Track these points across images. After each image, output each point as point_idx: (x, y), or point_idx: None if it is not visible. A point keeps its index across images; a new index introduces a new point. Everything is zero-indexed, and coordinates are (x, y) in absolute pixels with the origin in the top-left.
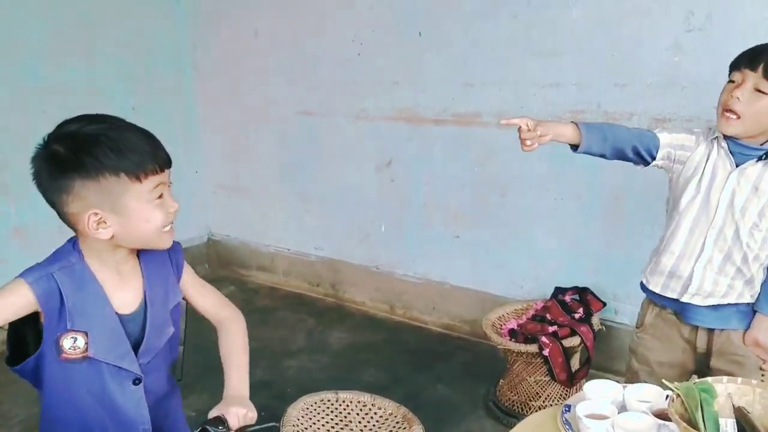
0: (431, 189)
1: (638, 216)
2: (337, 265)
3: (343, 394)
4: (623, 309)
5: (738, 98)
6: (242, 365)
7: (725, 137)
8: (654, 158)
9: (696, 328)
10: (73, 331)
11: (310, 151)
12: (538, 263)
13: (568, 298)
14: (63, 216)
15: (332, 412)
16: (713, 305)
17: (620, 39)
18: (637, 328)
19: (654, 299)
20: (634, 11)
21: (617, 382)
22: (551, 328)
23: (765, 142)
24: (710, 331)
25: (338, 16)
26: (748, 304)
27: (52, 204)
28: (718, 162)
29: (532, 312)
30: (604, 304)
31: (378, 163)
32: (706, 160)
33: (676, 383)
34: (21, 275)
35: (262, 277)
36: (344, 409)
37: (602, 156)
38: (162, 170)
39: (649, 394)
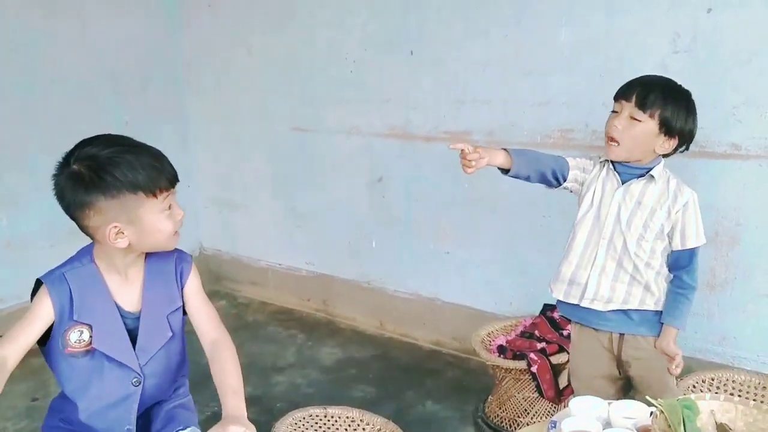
0: (422, 205)
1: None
2: (328, 280)
3: (332, 410)
4: None
5: (617, 126)
6: (238, 387)
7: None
8: (565, 180)
9: (609, 335)
10: (80, 323)
11: (302, 167)
12: (527, 280)
13: (556, 314)
14: (82, 227)
15: (320, 427)
16: (616, 310)
17: (608, 59)
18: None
19: (565, 313)
20: (621, 32)
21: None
22: (539, 345)
23: (646, 163)
24: (621, 336)
25: (331, 34)
26: (656, 312)
27: (72, 216)
28: (607, 180)
29: (520, 328)
30: None
31: (369, 179)
32: (596, 180)
33: (659, 400)
34: (42, 277)
35: (253, 291)
36: (333, 425)
37: (527, 179)
38: (173, 186)
39: (633, 411)
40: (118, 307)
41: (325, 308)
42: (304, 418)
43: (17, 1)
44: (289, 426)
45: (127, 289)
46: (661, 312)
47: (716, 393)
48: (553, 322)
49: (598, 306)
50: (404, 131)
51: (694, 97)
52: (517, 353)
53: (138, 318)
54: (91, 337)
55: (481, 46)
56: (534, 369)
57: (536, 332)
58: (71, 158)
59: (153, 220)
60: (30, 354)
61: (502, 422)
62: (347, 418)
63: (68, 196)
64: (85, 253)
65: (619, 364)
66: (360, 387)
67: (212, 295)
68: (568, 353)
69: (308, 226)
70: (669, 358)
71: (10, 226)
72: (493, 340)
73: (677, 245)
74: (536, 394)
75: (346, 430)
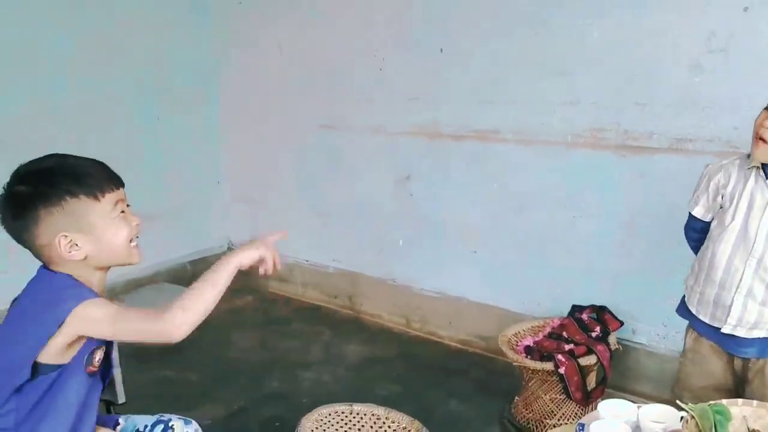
0: (449, 204)
1: (655, 236)
2: (355, 277)
3: (358, 407)
4: (641, 329)
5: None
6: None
7: (764, 166)
8: (710, 221)
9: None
10: (102, 343)
11: (330, 165)
12: (555, 281)
13: (585, 316)
14: (37, 251)
15: (346, 424)
16: (760, 338)
17: (641, 58)
18: (681, 354)
19: (695, 327)
20: (654, 31)
21: (632, 402)
22: (567, 346)
23: None
24: (746, 358)
25: (361, 33)
26: None
27: (24, 242)
28: (756, 191)
29: (548, 329)
30: (622, 324)
31: (397, 177)
32: (742, 190)
33: (690, 404)
34: (79, 299)
35: (280, 287)
36: (358, 422)
37: None
38: (117, 188)
39: (663, 415)
40: None
41: (351, 305)
42: (330, 414)
43: (46, 1)
44: (315, 422)
45: None
46: None
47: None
48: (582, 324)
49: (740, 332)
50: (432, 130)
51: (729, 96)
52: (545, 354)
53: None
54: (100, 358)
55: (510, 45)
56: (562, 370)
57: (564, 333)
58: (9, 184)
59: (104, 224)
60: None
61: (528, 423)
62: (373, 415)
63: (10, 221)
64: (69, 278)
65: (737, 379)
66: (385, 385)
67: (239, 290)
68: (597, 355)
69: (335, 223)
70: None
71: None
72: (520, 341)
73: None
74: (563, 396)
75: (371, 427)
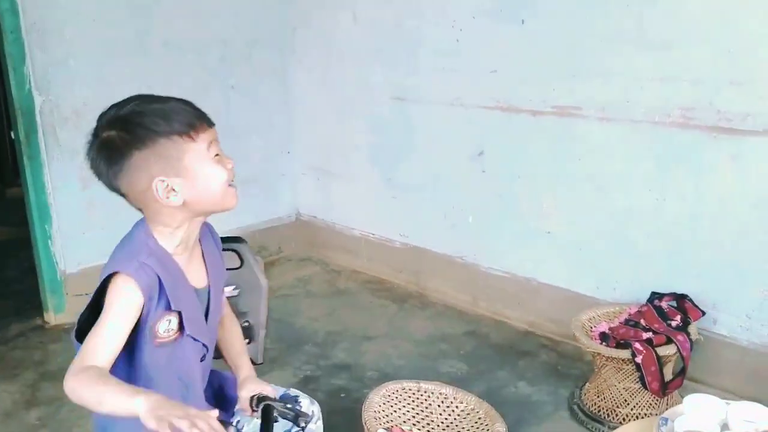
0: (524, 182)
1: (746, 224)
2: (422, 253)
3: (425, 385)
4: (722, 319)
5: None
6: (245, 351)
7: None
8: None
9: None
10: (168, 312)
11: (402, 138)
12: (633, 265)
13: (664, 304)
14: (132, 198)
15: (413, 401)
16: None
17: (742, 34)
18: None
19: None
20: (760, 5)
21: (711, 395)
22: (646, 335)
23: None
24: None
25: (439, 2)
26: None
27: (118, 190)
28: None
29: (625, 316)
30: (703, 313)
31: (470, 152)
32: None
33: None
34: (119, 269)
35: (346, 259)
36: (425, 400)
37: None
38: (210, 126)
39: (755, 414)
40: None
41: (417, 281)
42: (397, 390)
43: None
44: (383, 397)
45: (193, 266)
46: None
47: None
48: (661, 312)
49: None
50: (510, 104)
51: None
52: (621, 342)
53: (207, 294)
54: (179, 323)
55: (598, 17)
56: (639, 359)
57: (642, 321)
58: (97, 131)
59: (201, 166)
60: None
61: (599, 411)
62: (440, 394)
63: (104, 168)
64: (145, 235)
65: None
66: (450, 362)
67: (306, 259)
68: (677, 345)
69: (404, 197)
70: None
71: None
72: (595, 326)
73: None
74: (638, 385)
75: (439, 406)
